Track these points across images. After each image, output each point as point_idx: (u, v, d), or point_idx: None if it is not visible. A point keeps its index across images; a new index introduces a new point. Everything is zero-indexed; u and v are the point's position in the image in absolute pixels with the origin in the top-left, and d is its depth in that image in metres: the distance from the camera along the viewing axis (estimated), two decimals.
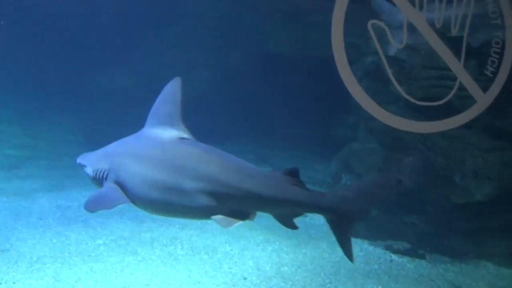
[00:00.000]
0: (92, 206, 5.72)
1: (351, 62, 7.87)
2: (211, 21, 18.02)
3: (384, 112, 7.82)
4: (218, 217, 5.31)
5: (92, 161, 6.02)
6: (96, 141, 15.92)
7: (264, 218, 8.96)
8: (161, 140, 5.70)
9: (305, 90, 16.00)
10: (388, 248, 10.41)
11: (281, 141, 17.08)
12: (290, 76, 16.41)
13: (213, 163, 5.45)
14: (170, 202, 5.44)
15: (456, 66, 7.69)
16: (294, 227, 5.57)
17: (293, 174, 5.35)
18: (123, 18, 18.74)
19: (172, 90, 6.06)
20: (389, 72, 8.27)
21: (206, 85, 17.74)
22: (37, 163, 14.64)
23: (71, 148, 15.97)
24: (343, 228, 5.54)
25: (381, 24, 8.03)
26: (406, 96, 8.00)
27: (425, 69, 8.90)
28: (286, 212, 5.49)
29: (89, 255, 9.38)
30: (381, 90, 9.20)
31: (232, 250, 9.99)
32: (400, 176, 5.27)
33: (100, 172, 5.85)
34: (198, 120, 16.95)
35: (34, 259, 9.09)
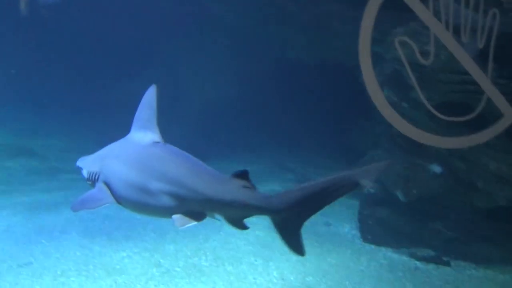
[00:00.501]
0: (80, 206, 6.05)
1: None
2: (231, 29, 18.03)
3: (411, 127, 7.84)
4: (176, 216, 5.53)
5: (87, 164, 6.30)
6: None
7: None
8: (138, 143, 6.00)
9: (327, 97, 16.00)
10: (413, 255, 10.35)
11: (303, 149, 17.06)
12: (310, 83, 16.41)
13: (174, 166, 5.67)
14: (141, 201, 5.72)
15: (483, 79, 7.68)
16: (244, 227, 5.65)
17: (244, 176, 5.46)
18: (142, 27, 18.81)
19: (149, 98, 6.36)
20: (412, 78, 8.27)
21: (227, 94, 17.76)
22: (60, 176, 14.66)
23: None
24: (290, 230, 5.59)
25: (408, 40, 8.04)
26: (429, 107, 7.99)
27: (447, 74, 8.88)
28: (237, 214, 5.57)
29: (113, 268, 9.38)
30: (403, 96, 9.18)
31: (256, 260, 9.95)
32: (362, 178, 5.15)
33: (93, 174, 6.14)
34: (219, 129, 17.21)
35: (59, 272, 9.09)
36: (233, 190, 5.42)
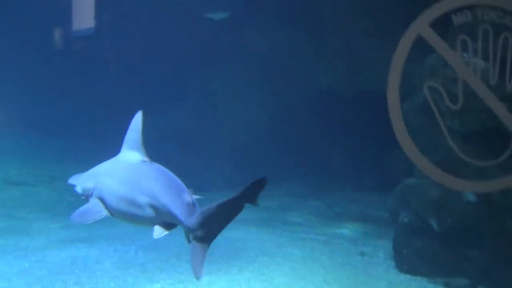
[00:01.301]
0: (78, 218, 6.55)
1: (404, 99, 7.88)
2: (266, 60, 18.12)
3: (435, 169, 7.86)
4: (156, 227, 6.16)
5: (81, 181, 6.87)
6: None
7: (322, 259, 8.91)
8: (128, 162, 6.67)
9: (361, 126, 15.99)
10: (448, 284, 10.21)
11: (337, 179, 17.05)
12: (343, 112, 16.42)
13: (154, 182, 6.29)
14: (130, 213, 6.33)
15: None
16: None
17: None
18: (182, 57, 18.97)
19: (136, 122, 6.91)
20: (443, 106, 8.25)
21: (262, 123, 17.81)
22: None
23: None
24: (198, 249, 5.94)
25: (437, 85, 8.06)
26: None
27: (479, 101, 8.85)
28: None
29: None
30: (435, 126, 9.13)
31: None
32: (246, 199, 5.42)
33: (87, 190, 6.72)
34: (254, 158, 17.23)
35: None
36: (180, 206, 6.00)
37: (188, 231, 5.95)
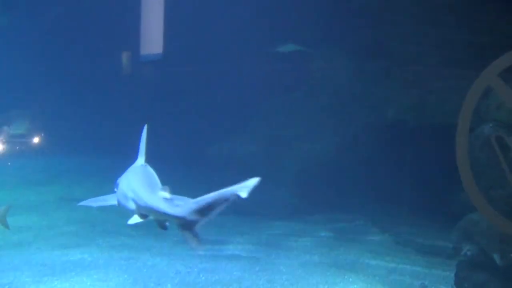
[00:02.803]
0: (92, 202, 8.46)
1: (470, 131, 7.86)
2: (332, 88, 18.17)
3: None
4: (134, 216, 7.48)
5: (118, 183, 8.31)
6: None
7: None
8: (135, 166, 8.30)
9: (425, 157, 15.89)
10: None
11: (402, 210, 16.95)
12: (409, 142, 16.33)
13: (137, 180, 7.73)
14: (123, 204, 7.82)
15: None
16: (164, 228, 7.30)
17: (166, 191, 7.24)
18: (244, 85, 19.15)
19: (143, 135, 8.56)
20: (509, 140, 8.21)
21: (325, 153, 17.81)
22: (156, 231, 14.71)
23: None
24: (189, 231, 6.81)
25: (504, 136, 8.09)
26: None
27: None
28: (159, 218, 7.17)
29: None
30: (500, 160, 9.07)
31: None
32: (240, 191, 6.56)
33: (116, 185, 8.20)
34: (317, 186, 17.22)
35: None
36: (157, 200, 7.07)
37: (174, 219, 6.89)
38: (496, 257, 10.06)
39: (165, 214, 6.95)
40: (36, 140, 21.72)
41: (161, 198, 7.09)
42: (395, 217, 16.69)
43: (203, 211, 6.77)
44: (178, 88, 21.37)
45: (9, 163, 20.74)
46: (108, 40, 21.57)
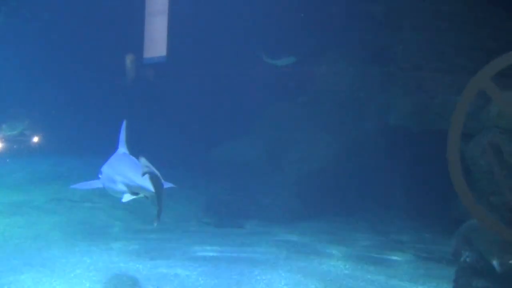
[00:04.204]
0: (79, 185, 10.56)
1: (470, 137, 7.86)
2: (334, 94, 18.19)
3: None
4: (126, 195, 9.21)
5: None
6: (217, 212, 16.16)
7: None
8: (116, 154, 10.19)
9: (427, 162, 15.90)
10: None
11: (401, 215, 16.97)
12: (412, 149, 16.35)
13: (124, 166, 9.55)
14: (110, 187, 9.62)
15: None
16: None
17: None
18: (247, 89, 19.19)
19: (122, 128, 10.28)
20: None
21: (327, 159, 17.83)
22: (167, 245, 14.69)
23: (191, 221, 16.52)
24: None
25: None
26: None
27: None
28: (147, 195, 8.99)
29: None
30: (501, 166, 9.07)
31: None
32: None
33: (99, 174, 10.06)
34: (318, 190, 17.24)
35: None
36: (145, 180, 8.59)
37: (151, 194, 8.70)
38: (495, 263, 10.06)
39: (151, 192, 8.60)
40: (32, 140, 21.79)
41: (147, 178, 8.50)
42: (396, 222, 16.70)
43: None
44: (181, 92, 21.40)
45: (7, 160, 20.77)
46: (110, 41, 21.57)
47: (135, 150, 9.83)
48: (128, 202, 9.29)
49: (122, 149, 10.16)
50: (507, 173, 9.41)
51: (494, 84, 8.07)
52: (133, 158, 9.63)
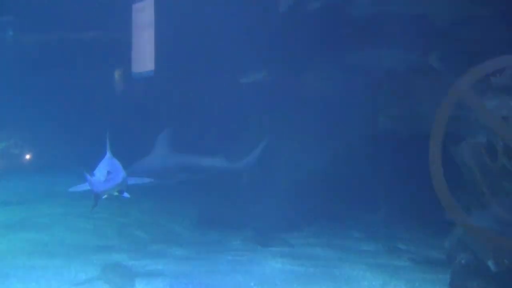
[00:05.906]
0: (74, 188, 11.89)
1: (460, 140, 7.92)
2: (324, 99, 18.19)
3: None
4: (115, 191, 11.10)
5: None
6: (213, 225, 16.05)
7: None
8: (105, 159, 11.73)
9: (418, 166, 15.95)
10: None
11: (394, 220, 17.03)
12: (403, 153, 16.38)
13: (105, 166, 11.28)
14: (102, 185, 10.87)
15: None
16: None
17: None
18: (236, 96, 19.21)
19: (107, 137, 11.91)
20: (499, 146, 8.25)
21: (317, 162, 17.83)
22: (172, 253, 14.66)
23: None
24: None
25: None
26: None
27: None
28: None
29: None
30: (492, 166, 9.12)
31: None
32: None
33: (93, 176, 11.10)
34: (309, 197, 17.23)
35: None
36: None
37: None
38: (491, 263, 10.10)
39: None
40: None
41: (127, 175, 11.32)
42: (389, 226, 16.73)
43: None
44: (170, 103, 21.36)
45: None
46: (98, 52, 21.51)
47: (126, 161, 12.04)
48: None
49: (108, 154, 11.93)
50: (496, 174, 9.48)
51: (473, 93, 8.14)
52: (117, 161, 11.81)
